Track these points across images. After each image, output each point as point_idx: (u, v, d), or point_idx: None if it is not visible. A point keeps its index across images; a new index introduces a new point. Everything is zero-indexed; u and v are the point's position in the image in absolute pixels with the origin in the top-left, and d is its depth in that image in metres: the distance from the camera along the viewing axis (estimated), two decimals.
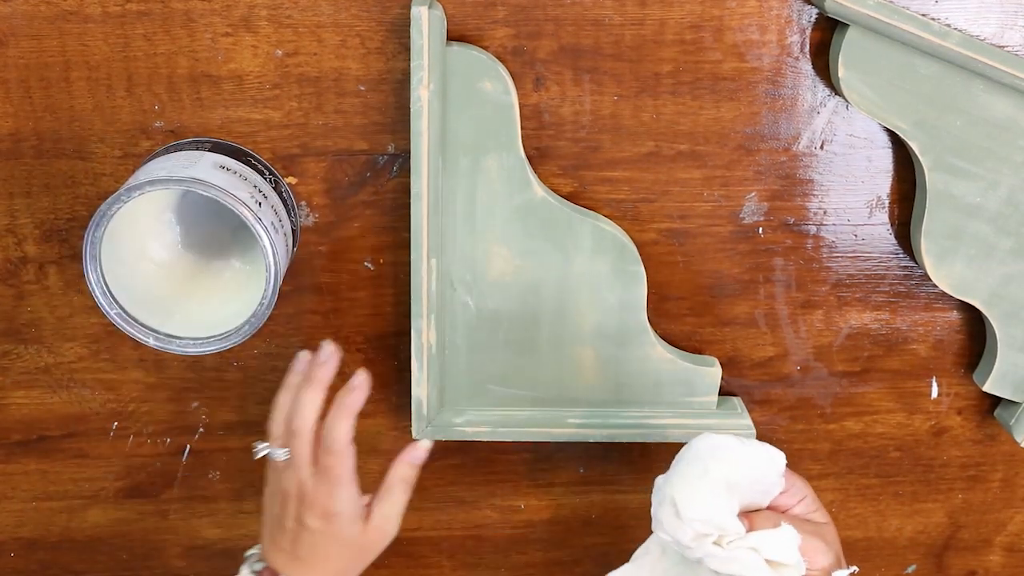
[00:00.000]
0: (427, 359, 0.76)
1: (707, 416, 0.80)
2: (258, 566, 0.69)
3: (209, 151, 0.70)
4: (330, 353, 0.69)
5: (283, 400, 0.69)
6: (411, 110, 0.68)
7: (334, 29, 0.70)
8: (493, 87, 0.70)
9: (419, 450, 0.71)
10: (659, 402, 0.80)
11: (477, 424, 0.79)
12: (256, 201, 0.68)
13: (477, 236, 0.74)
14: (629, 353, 0.78)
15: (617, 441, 0.80)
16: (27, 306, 0.78)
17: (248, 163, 0.71)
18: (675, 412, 0.80)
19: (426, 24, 0.65)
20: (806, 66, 0.73)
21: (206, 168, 0.67)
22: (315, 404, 0.67)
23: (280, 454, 0.68)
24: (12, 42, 0.70)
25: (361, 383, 0.68)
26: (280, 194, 0.73)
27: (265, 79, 0.71)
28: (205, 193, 0.65)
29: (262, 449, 0.69)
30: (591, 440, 0.80)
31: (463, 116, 0.70)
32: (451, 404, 0.79)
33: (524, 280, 0.76)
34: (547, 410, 0.80)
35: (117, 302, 0.67)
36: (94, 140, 0.72)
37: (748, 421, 0.80)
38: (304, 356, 0.70)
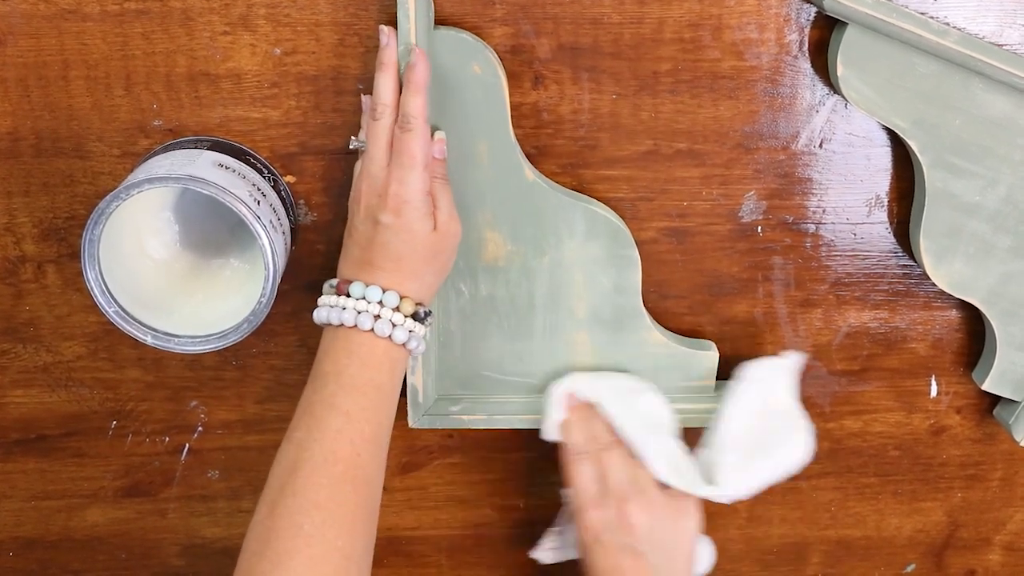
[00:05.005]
0: (426, 348, 0.75)
1: (706, 400, 0.80)
2: (334, 280, 0.68)
3: (208, 150, 0.70)
4: (387, 34, 0.67)
5: (378, 81, 0.68)
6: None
7: (332, 28, 0.70)
8: (482, 70, 0.70)
9: (438, 144, 0.69)
10: (658, 386, 0.80)
11: (473, 412, 0.79)
12: (255, 199, 0.68)
13: (469, 222, 0.73)
14: (625, 338, 0.78)
15: None
16: (26, 305, 0.78)
17: (247, 161, 0.71)
18: (673, 397, 0.80)
19: (412, 7, 0.66)
20: (805, 65, 0.73)
21: (205, 166, 0.67)
22: (388, 85, 0.66)
23: (364, 144, 0.68)
24: (10, 41, 0.70)
25: (417, 56, 0.66)
26: (279, 193, 0.73)
27: (263, 78, 0.71)
28: (203, 191, 0.65)
29: (355, 142, 0.69)
30: None
31: (452, 100, 0.70)
32: (447, 393, 0.79)
33: (517, 265, 0.76)
34: (544, 397, 0.79)
35: (115, 300, 0.67)
36: (92, 139, 0.72)
37: None
38: (385, 28, 0.67)
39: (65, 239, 0.75)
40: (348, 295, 0.66)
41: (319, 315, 0.67)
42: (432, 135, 0.68)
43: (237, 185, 0.67)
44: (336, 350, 0.66)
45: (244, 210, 0.65)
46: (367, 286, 0.66)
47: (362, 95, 0.70)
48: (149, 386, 0.81)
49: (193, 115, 0.72)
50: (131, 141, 0.73)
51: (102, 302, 0.67)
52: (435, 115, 0.70)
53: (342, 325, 0.66)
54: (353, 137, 0.70)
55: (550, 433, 0.77)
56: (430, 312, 0.69)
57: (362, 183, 0.67)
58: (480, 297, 0.76)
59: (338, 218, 0.75)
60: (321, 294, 0.68)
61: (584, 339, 0.78)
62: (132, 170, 0.71)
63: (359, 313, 0.65)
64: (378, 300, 0.66)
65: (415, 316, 0.67)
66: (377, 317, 0.65)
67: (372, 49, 0.70)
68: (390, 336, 0.66)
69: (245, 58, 0.71)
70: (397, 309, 0.66)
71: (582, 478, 0.74)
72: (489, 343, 0.78)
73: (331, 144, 0.73)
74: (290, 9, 0.69)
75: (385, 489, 0.78)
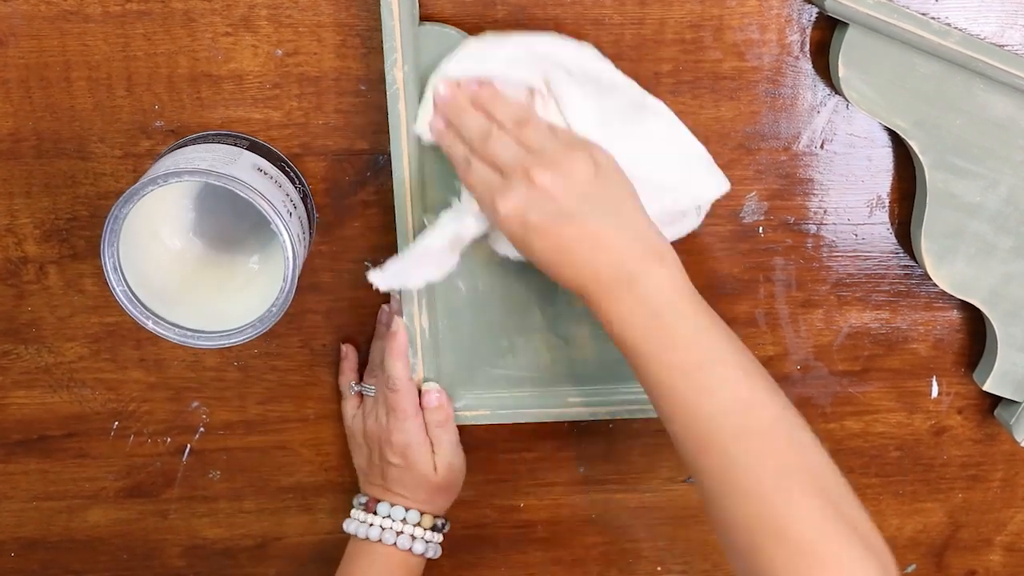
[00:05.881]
0: (421, 345, 0.75)
1: None
2: (363, 498, 0.79)
3: (247, 149, 0.70)
4: (385, 314, 0.79)
5: (375, 347, 0.80)
6: (387, 93, 0.68)
7: (335, 29, 0.70)
8: None
9: (429, 394, 0.76)
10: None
11: (476, 408, 0.79)
12: (287, 211, 0.67)
13: (468, 217, 0.73)
14: None
15: (619, 418, 0.80)
16: (27, 306, 0.78)
17: (282, 169, 0.71)
18: None
19: (396, 5, 0.66)
20: (806, 65, 0.73)
21: (245, 168, 0.67)
22: (401, 367, 0.75)
23: (369, 390, 0.78)
24: (12, 42, 0.70)
25: (398, 327, 0.74)
26: (306, 205, 0.73)
27: (265, 79, 0.71)
28: (243, 195, 0.64)
29: (355, 387, 0.80)
30: (593, 418, 0.80)
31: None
32: (449, 390, 0.78)
33: (514, 260, 0.75)
34: (547, 390, 0.79)
35: (125, 280, 0.66)
36: (94, 140, 0.72)
37: None
38: (386, 308, 0.79)
39: (67, 240, 0.75)
40: (375, 512, 0.77)
41: (349, 527, 0.78)
42: (422, 385, 0.76)
43: (274, 194, 0.67)
44: (361, 559, 0.77)
45: (279, 223, 0.65)
46: (392, 506, 0.77)
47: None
48: (151, 387, 0.81)
49: (195, 116, 0.72)
50: (133, 142, 0.73)
51: (112, 280, 0.66)
52: (425, 111, 0.69)
53: (368, 539, 0.77)
54: (353, 383, 0.79)
55: (424, 132, 0.69)
56: (447, 521, 0.79)
57: (371, 427, 0.77)
58: (479, 293, 0.76)
59: (341, 219, 0.76)
60: (352, 506, 0.79)
61: (584, 331, 0.78)
62: (158, 159, 0.71)
63: (384, 530, 0.76)
64: (401, 518, 0.77)
65: (434, 527, 0.78)
66: (400, 533, 0.76)
67: (374, 50, 0.70)
68: (410, 548, 0.76)
69: (247, 59, 0.71)
70: (418, 524, 0.77)
71: (475, 179, 0.66)
72: (489, 339, 0.78)
73: (333, 145, 0.73)
74: (292, 10, 0.69)
75: None
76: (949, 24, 0.70)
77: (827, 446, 0.85)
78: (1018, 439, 0.81)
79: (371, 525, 0.77)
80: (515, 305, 0.77)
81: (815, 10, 0.71)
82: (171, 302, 0.69)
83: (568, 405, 0.79)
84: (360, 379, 0.80)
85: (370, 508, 0.77)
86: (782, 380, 0.82)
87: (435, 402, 0.76)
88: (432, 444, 0.76)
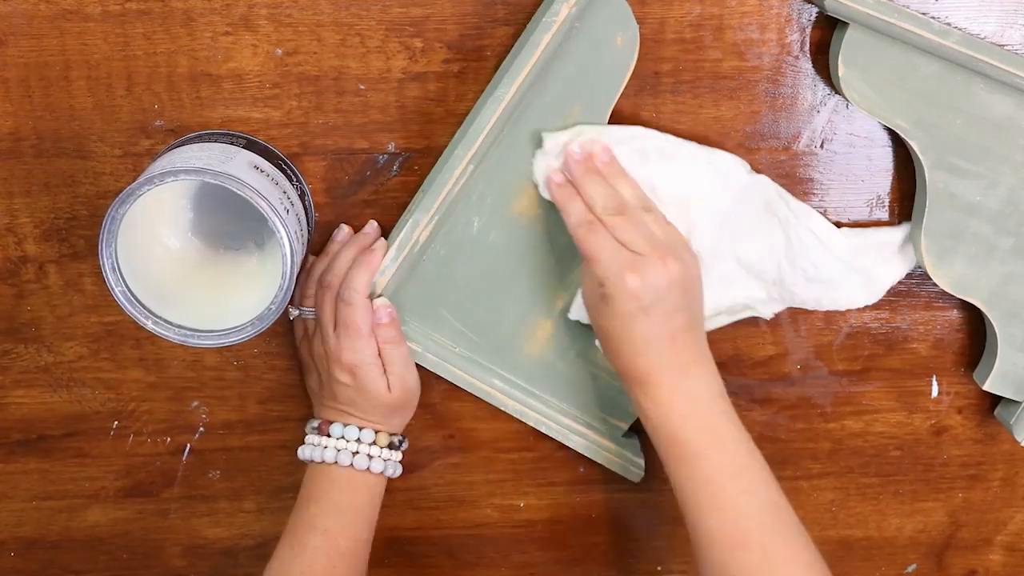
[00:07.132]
0: (404, 256, 0.73)
1: (608, 439, 0.81)
2: (315, 421, 0.76)
3: (243, 148, 0.70)
4: (374, 228, 0.75)
5: (319, 264, 0.75)
6: (542, 21, 0.67)
7: (334, 28, 0.70)
8: (622, 44, 0.70)
9: (380, 309, 0.73)
10: (579, 404, 0.80)
11: (411, 339, 0.77)
12: (284, 208, 0.67)
13: (522, 166, 0.73)
14: (577, 347, 0.78)
15: (521, 420, 0.80)
16: (27, 305, 0.78)
17: (279, 166, 0.71)
18: (585, 421, 0.81)
19: None
20: (806, 65, 0.73)
21: (241, 166, 0.67)
22: (348, 262, 0.73)
23: (309, 313, 0.75)
24: (12, 41, 0.70)
25: (380, 244, 0.73)
26: (304, 202, 0.72)
27: (265, 78, 0.71)
28: (241, 193, 0.64)
29: (294, 311, 0.76)
30: (499, 407, 0.80)
31: (582, 58, 0.70)
32: (400, 309, 0.76)
33: (535, 229, 0.75)
34: (481, 361, 0.79)
35: (124, 281, 0.66)
36: (94, 139, 0.72)
37: (641, 462, 0.82)
38: (345, 228, 0.75)
39: (67, 239, 0.75)
40: (329, 435, 0.75)
41: (304, 453, 0.76)
42: (373, 301, 0.73)
43: (270, 191, 0.67)
44: (319, 481, 0.75)
45: (276, 220, 0.65)
46: (345, 426, 0.75)
47: (315, 263, 0.76)
48: (151, 386, 0.81)
49: (195, 115, 0.72)
50: (132, 141, 0.73)
51: (111, 280, 0.66)
52: (558, 64, 0.70)
53: (324, 462, 0.74)
54: (290, 306, 0.75)
55: (539, 176, 0.73)
56: (404, 438, 0.77)
57: (319, 346, 0.74)
58: (485, 239, 0.75)
59: (340, 218, 0.76)
60: (305, 432, 0.77)
61: (547, 328, 0.78)
62: (155, 159, 0.71)
63: (339, 451, 0.74)
64: (356, 438, 0.75)
65: (391, 445, 0.76)
66: (355, 453, 0.74)
67: (373, 50, 0.70)
68: (368, 468, 0.75)
69: (247, 58, 0.71)
70: (374, 443, 0.75)
71: (599, 245, 0.68)
72: (464, 285, 0.76)
73: (333, 144, 0.73)
74: (291, 9, 0.69)
75: (386, 490, 0.78)
76: (949, 24, 0.70)
77: (827, 446, 0.86)
78: (1018, 439, 0.81)
79: (325, 447, 0.74)
80: (508, 269, 0.76)
81: (815, 9, 0.71)
82: (170, 301, 0.69)
83: (490, 385, 0.79)
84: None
85: (323, 430, 0.75)
86: (782, 380, 0.82)
87: (386, 318, 0.73)
88: (384, 363, 0.73)
